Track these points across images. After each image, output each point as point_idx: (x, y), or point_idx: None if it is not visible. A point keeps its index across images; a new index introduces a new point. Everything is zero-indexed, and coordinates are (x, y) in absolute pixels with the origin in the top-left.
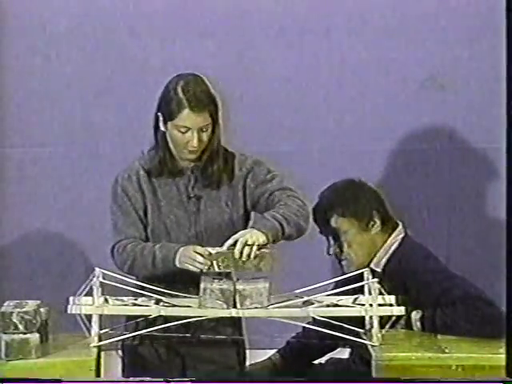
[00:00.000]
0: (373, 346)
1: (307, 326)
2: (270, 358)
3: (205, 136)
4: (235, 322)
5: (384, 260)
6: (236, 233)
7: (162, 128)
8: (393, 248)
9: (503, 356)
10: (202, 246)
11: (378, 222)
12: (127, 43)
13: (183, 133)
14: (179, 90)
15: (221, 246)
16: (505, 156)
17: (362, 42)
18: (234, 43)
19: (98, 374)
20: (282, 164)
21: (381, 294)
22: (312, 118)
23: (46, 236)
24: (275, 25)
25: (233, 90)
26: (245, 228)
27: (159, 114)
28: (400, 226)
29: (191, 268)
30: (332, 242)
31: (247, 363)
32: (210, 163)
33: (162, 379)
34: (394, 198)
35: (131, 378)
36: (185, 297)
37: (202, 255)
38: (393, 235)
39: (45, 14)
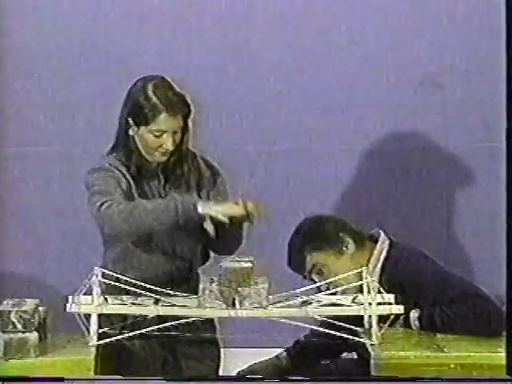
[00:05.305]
0: (372, 344)
1: (304, 325)
2: (276, 357)
3: (177, 138)
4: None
5: (379, 266)
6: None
7: (131, 133)
8: (383, 254)
9: (502, 354)
10: (177, 246)
11: (351, 241)
12: (127, 44)
13: (157, 136)
14: (150, 94)
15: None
16: (505, 156)
17: (361, 41)
18: (234, 42)
19: (96, 373)
20: (282, 164)
21: (379, 292)
22: (312, 117)
23: (46, 236)
24: (275, 24)
25: (232, 90)
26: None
27: (129, 118)
28: (382, 235)
29: (222, 213)
30: (317, 279)
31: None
32: (179, 165)
33: (161, 378)
34: (394, 197)
35: (131, 378)
36: (184, 297)
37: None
38: (378, 243)
39: (45, 14)
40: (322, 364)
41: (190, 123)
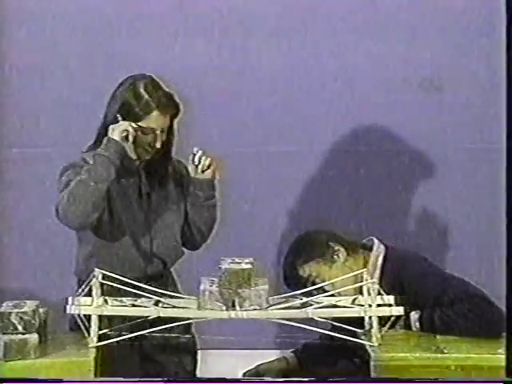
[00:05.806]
0: (372, 346)
1: (301, 325)
2: (284, 357)
3: (163, 137)
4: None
5: (377, 272)
6: (189, 226)
7: None
8: (380, 259)
9: (502, 356)
10: (154, 243)
11: (342, 249)
12: (128, 44)
13: (146, 134)
14: (142, 91)
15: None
16: (505, 156)
17: (360, 42)
18: (231, 43)
19: (96, 375)
20: (282, 164)
21: (379, 294)
22: (311, 118)
23: (45, 236)
24: (273, 24)
25: (231, 91)
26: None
27: (118, 116)
28: (376, 242)
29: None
30: (315, 292)
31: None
32: (162, 164)
33: (161, 379)
34: (393, 199)
35: (131, 380)
36: (184, 298)
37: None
38: (373, 250)
39: (45, 13)
40: (328, 365)
41: (175, 124)
